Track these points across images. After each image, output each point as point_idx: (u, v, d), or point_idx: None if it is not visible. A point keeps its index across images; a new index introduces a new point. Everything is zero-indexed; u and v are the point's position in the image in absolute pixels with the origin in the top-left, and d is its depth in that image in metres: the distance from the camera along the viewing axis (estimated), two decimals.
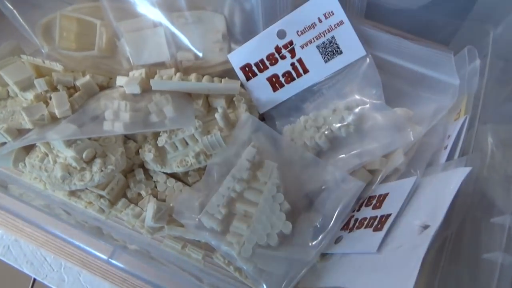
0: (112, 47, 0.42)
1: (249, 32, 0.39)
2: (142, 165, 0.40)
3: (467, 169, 0.25)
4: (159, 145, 0.37)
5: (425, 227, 0.25)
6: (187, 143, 0.38)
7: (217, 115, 0.36)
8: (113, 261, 0.27)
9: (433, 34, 0.38)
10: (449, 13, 0.35)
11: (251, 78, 0.39)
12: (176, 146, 0.38)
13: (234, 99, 0.39)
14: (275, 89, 0.39)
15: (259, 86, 0.39)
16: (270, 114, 0.40)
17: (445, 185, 0.26)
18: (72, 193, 0.38)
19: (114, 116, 0.36)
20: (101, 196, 0.37)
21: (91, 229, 0.34)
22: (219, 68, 0.42)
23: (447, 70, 0.32)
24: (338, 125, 0.35)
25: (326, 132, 0.36)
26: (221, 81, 0.38)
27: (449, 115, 0.33)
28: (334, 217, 0.32)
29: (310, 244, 0.32)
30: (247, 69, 0.38)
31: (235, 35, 0.42)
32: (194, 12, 0.41)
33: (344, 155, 0.35)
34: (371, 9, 0.38)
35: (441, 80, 0.33)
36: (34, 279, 0.67)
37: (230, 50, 0.41)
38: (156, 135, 0.38)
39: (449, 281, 0.24)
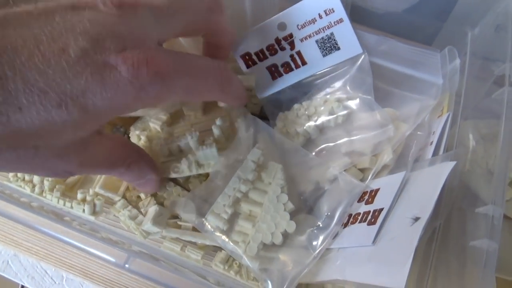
0: None
1: (238, 32, 0.40)
2: None
3: (452, 163, 0.27)
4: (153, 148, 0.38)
5: (416, 219, 0.26)
6: (181, 150, 0.39)
7: (214, 128, 0.37)
8: (129, 267, 0.28)
9: (416, 35, 0.40)
10: (430, 15, 0.37)
11: (251, 66, 0.40)
12: (171, 152, 0.39)
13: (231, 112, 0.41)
14: (274, 77, 0.40)
15: (259, 74, 0.40)
16: (268, 101, 0.42)
17: (432, 179, 0.28)
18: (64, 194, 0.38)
19: None
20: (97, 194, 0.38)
21: (91, 232, 0.34)
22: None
23: (432, 69, 0.34)
24: (328, 115, 0.37)
25: (316, 122, 0.37)
26: None
27: (433, 112, 0.34)
28: (336, 217, 0.33)
29: (312, 243, 0.33)
30: (247, 57, 0.39)
31: None
32: None
33: (330, 144, 0.37)
34: (354, 12, 0.40)
35: (425, 80, 0.35)
36: None
37: None
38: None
39: (440, 267, 0.26)
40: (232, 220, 0.35)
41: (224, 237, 0.34)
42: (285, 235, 0.34)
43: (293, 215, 0.35)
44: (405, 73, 0.36)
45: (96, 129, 0.26)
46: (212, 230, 0.34)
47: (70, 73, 0.21)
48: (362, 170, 0.36)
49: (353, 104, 0.37)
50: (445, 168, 0.27)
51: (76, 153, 0.25)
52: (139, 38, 0.24)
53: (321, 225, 0.34)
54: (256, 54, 0.39)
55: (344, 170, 0.35)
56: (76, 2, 0.23)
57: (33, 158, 0.23)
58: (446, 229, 0.27)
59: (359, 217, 0.32)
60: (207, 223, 0.34)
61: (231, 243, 0.33)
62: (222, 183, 0.37)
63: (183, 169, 0.37)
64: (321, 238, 0.33)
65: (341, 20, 0.36)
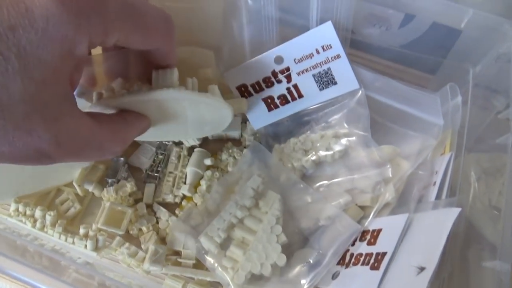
0: None
1: (237, 63, 0.40)
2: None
3: (457, 211, 0.27)
4: None
5: (421, 269, 0.26)
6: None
7: (202, 182, 0.39)
8: None
9: (416, 67, 0.40)
10: (430, 51, 0.37)
11: (247, 98, 0.40)
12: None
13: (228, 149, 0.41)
14: (270, 109, 0.40)
15: (255, 105, 0.40)
16: (264, 133, 0.42)
17: (437, 226, 0.27)
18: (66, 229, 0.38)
19: None
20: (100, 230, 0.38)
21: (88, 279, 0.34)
22: None
23: (433, 111, 0.34)
24: (325, 151, 0.37)
25: (313, 157, 0.37)
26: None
27: (435, 150, 0.34)
28: (329, 255, 0.33)
29: (302, 280, 0.33)
30: (243, 89, 0.39)
31: (222, 67, 0.42)
32: (183, 48, 0.41)
33: (327, 181, 0.37)
34: (354, 45, 0.39)
35: (425, 119, 0.35)
36: None
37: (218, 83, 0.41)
38: None
39: None
40: (224, 245, 0.35)
41: (214, 261, 0.34)
42: (275, 267, 0.34)
43: (285, 248, 0.34)
44: (405, 110, 0.36)
45: (59, 85, 0.22)
46: (203, 252, 0.34)
47: None
48: (362, 208, 0.35)
49: (350, 140, 0.37)
50: (449, 215, 0.27)
51: (44, 124, 0.21)
52: None
53: (312, 262, 0.34)
54: (252, 86, 0.39)
55: (345, 208, 0.35)
56: None
57: None
58: (451, 281, 0.26)
59: (361, 259, 0.32)
60: (199, 245, 0.35)
61: (220, 268, 0.33)
62: (218, 207, 0.37)
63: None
64: (310, 275, 0.33)
65: (338, 56, 0.36)
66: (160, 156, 0.43)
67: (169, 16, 0.27)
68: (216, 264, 0.34)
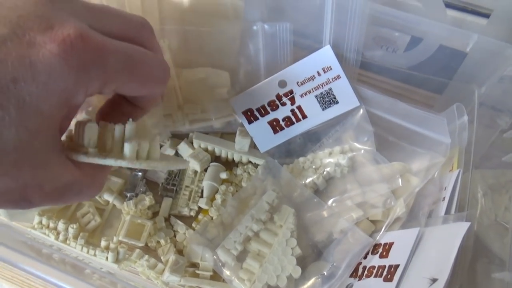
0: None
1: (251, 84, 0.42)
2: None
3: (466, 225, 0.28)
4: None
5: (434, 280, 0.27)
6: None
7: (217, 196, 0.41)
8: None
9: (424, 87, 0.41)
10: (437, 72, 0.38)
11: (253, 122, 0.42)
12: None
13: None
14: (275, 131, 0.42)
15: (261, 129, 0.42)
16: (270, 154, 0.43)
17: (447, 239, 0.29)
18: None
19: None
20: (120, 242, 0.39)
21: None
22: (223, 120, 0.44)
23: (440, 130, 0.36)
24: (334, 167, 0.39)
25: (323, 173, 0.39)
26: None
27: (444, 168, 0.36)
28: (342, 268, 0.34)
29: None
30: (249, 113, 0.41)
31: (238, 87, 0.44)
32: (200, 69, 0.43)
33: (339, 196, 0.39)
34: (364, 66, 0.41)
35: (433, 137, 0.37)
36: None
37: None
38: None
39: None
40: (240, 258, 0.36)
41: (231, 273, 0.35)
42: (290, 279, 0.35)
43: (300, 260, 0.36)
44: (414, 129, 0.38)
45: (50, 133, 0.22)
46: (220, 264, 0.36)
47: None
48: (374, 222, 0.37)
49: (358, 155, 0.39)
50: (459, 230, 0.28)
51: (32, 172, 0.21)
52: (69, 18, 0.21)
53: (326, 274, 0.35)
54: (258, 110, 0.41)
55: (357, 222, 0.36)
56: None
57: None
58: None
59: (374, 271, 0.33)
60: (216, 257, 0.36)
61: (237, 280, 0.35)
62: (233, 220, 0.39)
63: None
64: (325, 287, 0.34)
65: (338, 77, 0.38)
66: (175, 170, 0.45)
67: (167, 64, 0.28)
68: (233, 276, 0.35)
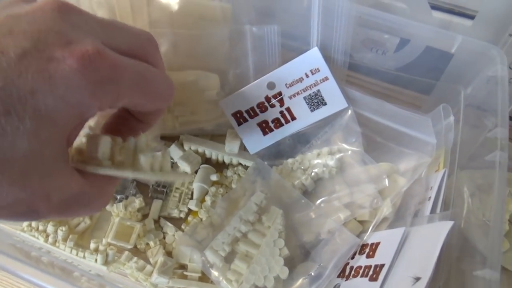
0: None
1: (240, 86, 0.42)
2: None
3: (450, 223, 0.28)
4: None
5: (417, 278, 0.27)
6: None
7: (207, 198, 0.41)
8: None
9: (412, 88, 0.42)
10: (424, 73, 0.39)
11: (242, 123, 0.42)
12: None
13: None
14: (264, 133, 0.42)
15: (250, 130, 0.42)
16: (260, 156, 0.43)
17: (431, 238, 0.29)
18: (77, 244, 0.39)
19: None
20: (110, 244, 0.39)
21: None
22: (213, 122, 0.45)
23: (426, 130, 0.36)
24: (322, 167, 0.39)
25: (312, 174, 0.39)
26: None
27: (430, 167, 0.36)
28: (329, 268, 0.34)
29: None
30: (238, 115, 0.42)
31: (227, 89, 0.45)
32: (190, 72, 0.44)
33: (327, 197, 0.39)
34: (353, 67, 0.42)
35: (419, 138, 0.37)
36: None
37: None
38: None
39: None
40: (229, 259, 0.36)
41: (219, 274, 0.36)
42: (278, 280, 0.35)
43: (288, 261, 0.36)
44: (401, 130, 0.38)
45: (59, 143, 0.22)
46: (208, 266, 0.36)
47: (13, 74, 0.19)
48: (361, 223, 0.37)
49: (346, 156, 0.39)
50: (443, 228, 0.28)
51: (40, 181, 0.21)
52: (85, 35, 0.22)
53: (313, 275, 0.35)
54: (247, 111, 0.41)
55: (344, 222, 0.37)
56: (11, 12, 0.22)
57: None
58: None
59: (361, 271, 0.33)
60: (204, 259, 0.36)
61: (225, 281, 0.35)
62: (222, 222, 0.39)
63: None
64: (313, 286, 0.34)
65: (326, 78, 0.39)
66: None
67: (171, 80, 0.29)
68: (221, 277, 0.35)
